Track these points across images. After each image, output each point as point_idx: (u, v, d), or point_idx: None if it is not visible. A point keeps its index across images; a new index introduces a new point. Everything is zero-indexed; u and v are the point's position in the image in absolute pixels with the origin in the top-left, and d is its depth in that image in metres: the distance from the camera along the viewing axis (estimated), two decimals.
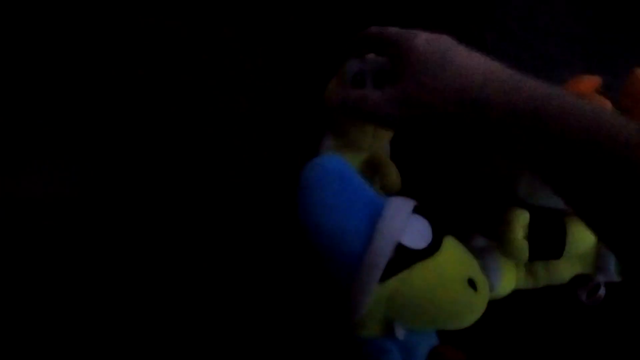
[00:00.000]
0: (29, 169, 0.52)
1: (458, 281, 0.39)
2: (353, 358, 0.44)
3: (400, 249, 0.39)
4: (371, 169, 0.49)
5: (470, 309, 0.40)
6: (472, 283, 0.39)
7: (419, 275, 0.39)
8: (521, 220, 0.46)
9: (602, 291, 0.49)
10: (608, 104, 0.44)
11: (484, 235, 0.49)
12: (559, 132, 0.29)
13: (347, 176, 0.42)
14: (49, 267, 0.49)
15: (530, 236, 0.46)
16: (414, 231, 0.40)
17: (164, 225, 0.51)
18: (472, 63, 0.34)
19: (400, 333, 0.40)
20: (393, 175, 0.48)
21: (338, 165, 0.42)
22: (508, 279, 0.47)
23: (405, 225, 0.39)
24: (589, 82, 0.46)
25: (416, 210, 0.41)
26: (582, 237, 0.46)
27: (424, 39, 0.35)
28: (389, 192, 0.48)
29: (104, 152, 0.53)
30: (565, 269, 0.49)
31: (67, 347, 0.47)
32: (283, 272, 0.50)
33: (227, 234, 0.51)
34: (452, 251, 0.40)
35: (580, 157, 0.29)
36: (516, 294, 0.49)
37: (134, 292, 0.49)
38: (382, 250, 0.38)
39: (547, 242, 0.46)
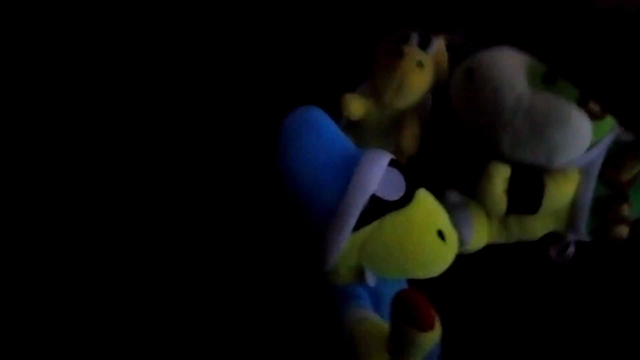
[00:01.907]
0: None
1: (427, 232, 0.40)
2: (327, 304, 0.45)
3: (374, 199, 0.40)
4: (394, 126, 0.50)
5: (438, 259, 0.41)
6: (441, 234, 0.41)
7: (391, 225, 0.40)
8: (502, 173, 0.47)
9: (571, 249, 0.50)
10: None
11: (459, 191, 0.50)
12: None
13: (326, 127, 0.43)
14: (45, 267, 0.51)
15: (510, 190, 0.47)
16: (388, 183, 0.41)
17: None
18: None
19: (371, 280, 0.42)
20: (407, 139, 0.49)
21: (317, 116, 0.43)
22: (480, 234, 0.49)
23: (380, 177, 0.40)
24: None
25: (391, 163, 0.42)
26: (558, 194, 0.47)
27: None
28: (403, 154, 0.49)
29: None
30: (538, 226, 0.50)
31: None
32: (263, 223, 0.51)
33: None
34: (424, 203, 0.42)
35: None
36: (488, 248, 0.50)
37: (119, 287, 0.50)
38: (357, 201, 0.39)
39: (525, 197, 0.47)
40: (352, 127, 0.50)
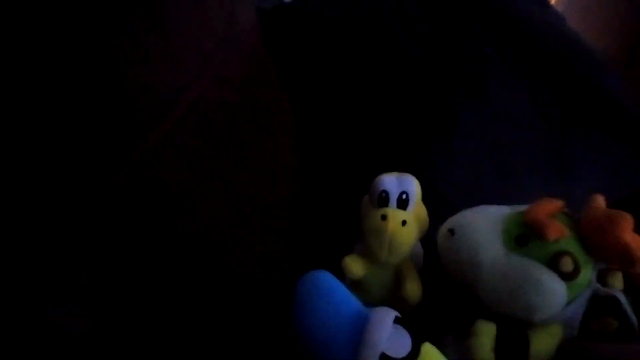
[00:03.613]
0: None
1: None
2: None
3: (384, 358, 0.43)
4: (395, 277, 0.55)
5: None
6: None
7: None
8: (489, 332, 0.50)
9: None
10: (566, 231, 0.48)
11: (455, 337, 0.53)
12: None
13: (335, 290, 0.47)
14: None
15: (497, 348, 0.49)
16: (396, 340, 0.45)
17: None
18: None
19: None
20: (411, 288, 0.54)
21: (326, 279, 0.48)
22: None
23: (388, 335, 0.44)
24: (550, 206, 0.49)
25: (396, 320, 0.46)
26: (543, 348, 0.50)
27: None
28: (409, 303, 0.54)
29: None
30: None
31: None
32: None
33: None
34: (430, 359, 0.45)
35: None
36: None
37: None
38: None
39: (513, 354, 0.50)
40: (356, 283, 0.55)
